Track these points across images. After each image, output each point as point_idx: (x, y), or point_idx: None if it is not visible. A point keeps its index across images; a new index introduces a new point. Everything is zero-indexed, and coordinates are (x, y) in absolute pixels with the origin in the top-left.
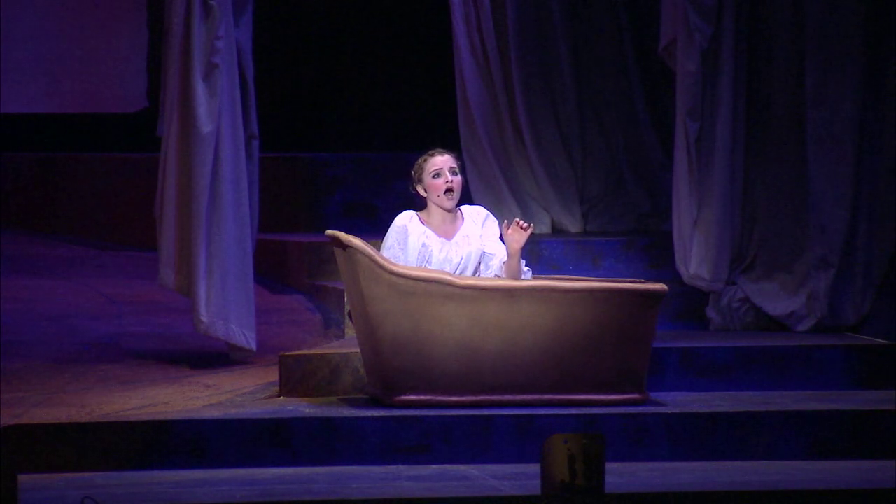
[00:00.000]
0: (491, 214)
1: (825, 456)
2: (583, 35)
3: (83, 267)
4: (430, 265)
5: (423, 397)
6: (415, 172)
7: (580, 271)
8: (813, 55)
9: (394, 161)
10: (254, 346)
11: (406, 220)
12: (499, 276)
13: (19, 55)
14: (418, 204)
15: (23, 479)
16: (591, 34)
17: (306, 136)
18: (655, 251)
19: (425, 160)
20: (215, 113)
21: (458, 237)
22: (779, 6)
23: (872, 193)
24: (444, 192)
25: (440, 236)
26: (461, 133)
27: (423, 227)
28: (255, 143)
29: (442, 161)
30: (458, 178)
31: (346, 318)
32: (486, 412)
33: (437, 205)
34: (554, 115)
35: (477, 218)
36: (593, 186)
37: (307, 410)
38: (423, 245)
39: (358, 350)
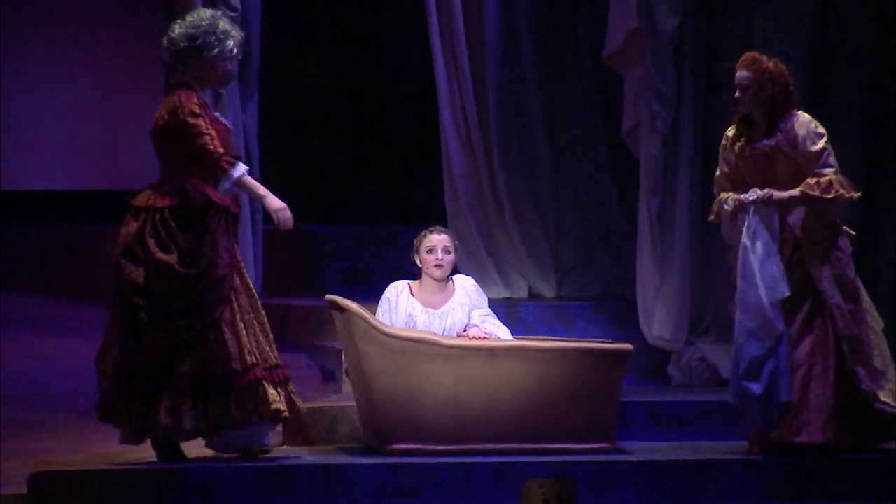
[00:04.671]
0: (478, 286)
1: (778, 500)
2: (558, 116)
3: (102, 328)
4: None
5: (413, 446)
6: (415, 243)
7: (554, 332)
8: None
9: (387, 232)
10: None
11: (395, 293)
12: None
13: (46, 138)
14: (416, 272)
15: None
16: (564, 116)
17: (307, 211)
18: (623, 314)
19: (424, 235)
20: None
21: (445, 307)
22: (729, 97)
23: None
24: (433, 267)
25: (427, 307)
26: (447, 206)
27: (412, 299)
28: (259, 217)
29: (437, 240)
30: (450, 256)
31: (344, 374)
32: (470, 460)
33: (427, 275)
34: (531, 191)
35: (470, 290)
36: (566, 255)
37: (308, 458)
38: (409, 315)
39: (354, 403)
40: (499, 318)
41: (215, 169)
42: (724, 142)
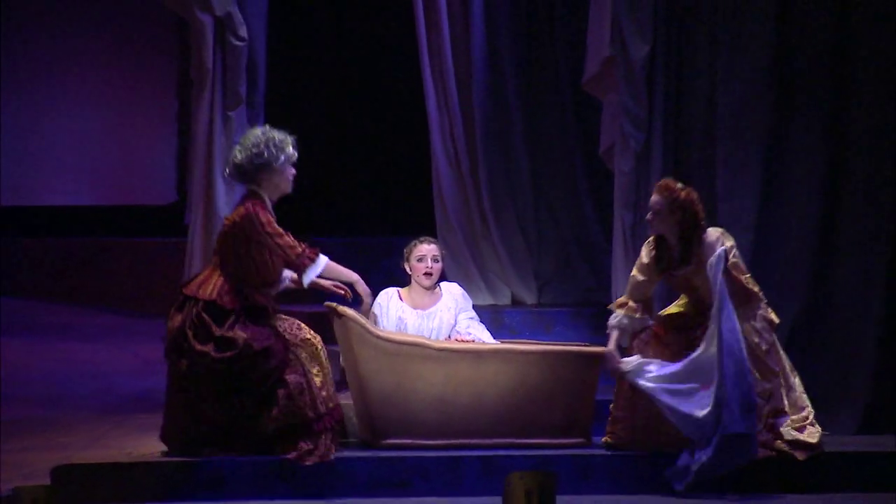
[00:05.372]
0: (465, 292)
1: (739, 490)
2: (539, 139)
3: (122, 333)
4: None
5: (404, 441)
6: (406, 252)
7: (535, 336)
8: (723, 158)
9: (381, 244)
10: None
11: (386, 298)
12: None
13: (69, 157)
14: (405, 279)
15: None
16: (545, 138)
17: (307, 223)
18: (599, 320)
19: (415, 245)
20: (232, 205)
21: (433, 309)
22: (696, 118)
23: (773, 269)
24: (423, 275)
25: (416, 308)
26: (437, 221)
27: (401, 304)
28: None
29: (427, 250)
30: (438, 265)
31: (341, 374)
32: (457, 454)
33: (417, 282)
34: (514, 206)
35: (456, 295)
36: (546, 265)
37: None
38: (399, 318)
39: (351, 401)
40: (484, 324)
41: (300, 263)
42: (646, 258)
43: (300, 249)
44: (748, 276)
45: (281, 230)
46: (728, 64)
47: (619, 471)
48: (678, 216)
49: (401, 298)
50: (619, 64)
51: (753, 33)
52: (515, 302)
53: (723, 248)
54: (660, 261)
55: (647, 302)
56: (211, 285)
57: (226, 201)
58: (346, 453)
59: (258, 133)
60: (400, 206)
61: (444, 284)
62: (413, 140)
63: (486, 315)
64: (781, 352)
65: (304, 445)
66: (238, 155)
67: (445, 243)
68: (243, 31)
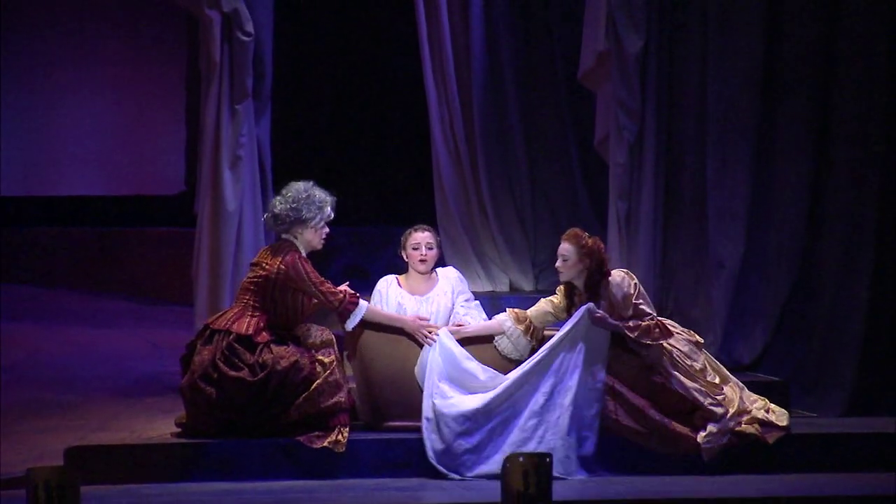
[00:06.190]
0: (461, 275)
1: (726, 471)
2: (535, 130)
3: (132, 318)
4: None
5: (406, 423)
6: (402, 240)
7: None
8: (714, 149)
9: (382, 234)
10: None
11: (385, 285)
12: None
13: (82, 148)
14: (405, 267)
15: (85, 489)
16: (541, 130)
17: None
18: None
19: (410, 234)
20: (239, 195)
21: (431, 294)
22: (688, 110)
23: (762, 256)
24: (418, 261)
25: (414, 294)
26: (437, 210)
27: (400, 290)
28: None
29: (421, 237)
30: (433, 251)
31: (345, 359)
32: None
33: (413, 269)
34: (511, 196)
35: (452, 279)
36: (543, 253)
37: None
38: (399, 304)
39: (354, 385)
40: (483, 309)
41: (343, 310)
42: (559, 301)
43: (342, 296)
44: (650, 318)
45: (322, 278)
46: (718, 58)
47: (608, 452)
48: (586, 262)
49: (399, 285)
50: (613, 58)
51: (743, 28)
52: (513, 289)
53: (587, 305)
54: (570, 307)
55: (540, 330)
56: (246, 323)
57: (232, 191)
58: (350, 435)
59: (300, 188)
60: (401, 196)
61: (440, 270)
62: (414, 132)
63: (485, 301)
64: (717, 364)
65: (318, 432)
66: (277, 205)
67: (446, 233)
68: (250, 27)
